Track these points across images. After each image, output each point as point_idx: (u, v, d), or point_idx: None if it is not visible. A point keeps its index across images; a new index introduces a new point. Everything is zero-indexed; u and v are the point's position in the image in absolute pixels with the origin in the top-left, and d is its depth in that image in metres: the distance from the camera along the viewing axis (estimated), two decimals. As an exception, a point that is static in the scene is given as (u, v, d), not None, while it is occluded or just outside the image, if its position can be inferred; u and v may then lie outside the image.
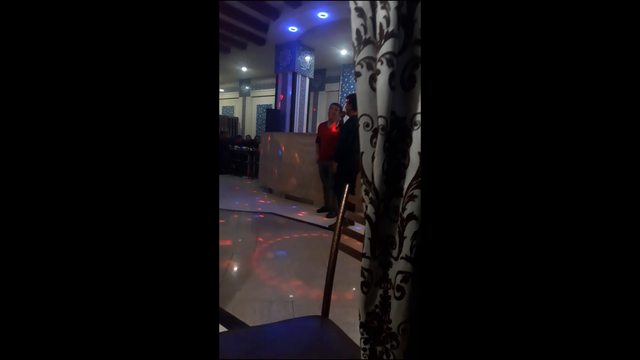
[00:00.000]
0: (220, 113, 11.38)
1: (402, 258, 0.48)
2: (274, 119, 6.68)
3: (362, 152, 0.51)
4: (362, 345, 0.55)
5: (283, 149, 4.58)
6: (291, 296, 1.70)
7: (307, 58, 6.67)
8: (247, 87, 10.73)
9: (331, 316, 0.78)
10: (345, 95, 7.57)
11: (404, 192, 0.48)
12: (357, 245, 0.75)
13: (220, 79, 10.37)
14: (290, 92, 6.66)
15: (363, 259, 0.52)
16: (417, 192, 0.45)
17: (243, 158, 7.16)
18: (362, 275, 0.53)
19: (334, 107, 3.53)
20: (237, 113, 11.18)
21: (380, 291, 0.53)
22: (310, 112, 8.46)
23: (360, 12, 0.47)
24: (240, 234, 2.84)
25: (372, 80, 0.47)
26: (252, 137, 8.92)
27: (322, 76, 8.46)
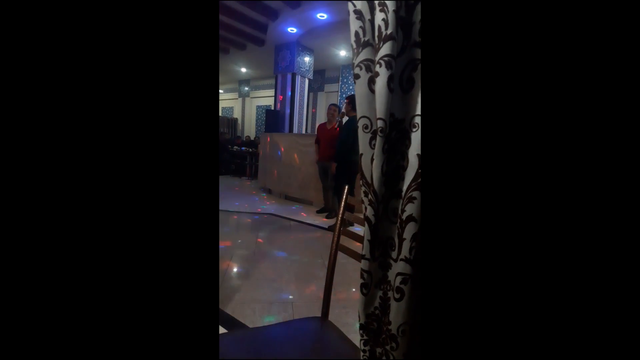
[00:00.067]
0: (220, 114, 11.38)
1: (401, 260, 0.48)
2: (273, 120, 6.68)
3: (362, 154, 0.51)
4: (362, 347, 0.55)
5: (282, 149, 4.58)
6: (291, 297, 1.70)
7: (306, 59, 6.68)
8: (246, 88, 10.73)
9: (330, 317, 0.78)
10: (344, 96, 7.57)
11: (403, 193, 0.48)
12: (356, 246, 0.75)
13: (220, 79, 10.37)
14: (290, 93, 6.66)
15: (363, 261, 0.52)
16: (416, 194, 0.46)
17: (242, 159, 7.16)
18: (362, 276, 0.53)
19: (333, 108, 3.53)
20: (237, 114, 11.18)
21: (380, 293, 0.53)
22: (310, 112, 8.46)
23: (359, 14, 0.47)
24: (239, 234, 2.83)
25: (371, 82, 0.48)
26: (252, 138, 8.92)
27: (321, 77, 8.46)
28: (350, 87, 7.67)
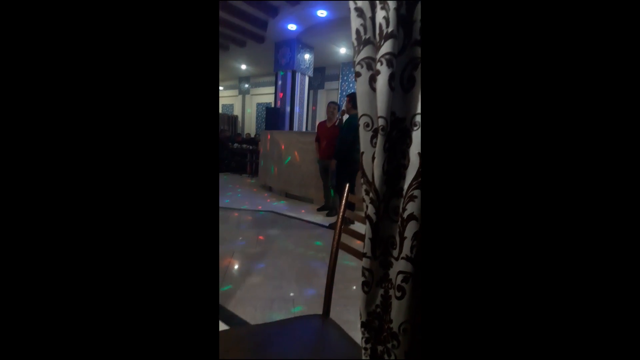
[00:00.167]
0: (220, 111, 11.36)
1: (402, 258, 0.48)
2: (273, 117, 6.67)
3: (363, 152, 0.51)
4: (364, 345, 0.55)
5: (283, 147, 4.58)
6: (292, 294, 1.71)
7: (307, 56, 6.65)
8: (246, 85, 10.70)
9: (331, 314, 0.79)
10: (344, 93, 7.55)
11: (404, 192, 0.48)
12: (357, 244, 0.75)
13: (220, 76, 10.35)
14: (290, 90, 6.64)
15: (364, 259, 0.53)
16: (417, 192, 0.46)
17: (243, 156, 7.15)
18: (363, 275, 0.53)
19: (332, 106, 3.52)
20: (237, 111, 11.16)
21: (381, 291, 0.54)
22: (310, 110, 8.44)
23: (359, 12, 0.47)
24: (240, 232, 2.84)
25: (372, 80, 0.47)
26: (252, 136, 8.91)
27: (321, 74, 8.43)
28: (351, 85, 7.65)
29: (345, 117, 3.18)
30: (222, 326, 1.35)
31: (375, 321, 0.55)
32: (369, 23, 0.47)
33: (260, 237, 2.67)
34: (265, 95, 9.95)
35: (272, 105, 7.30)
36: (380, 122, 0.46)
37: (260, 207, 3.85)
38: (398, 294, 0.48)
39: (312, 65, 6.83)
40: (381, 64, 0.44)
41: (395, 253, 0.50)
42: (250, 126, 10.70)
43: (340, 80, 7.94)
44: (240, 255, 2.24)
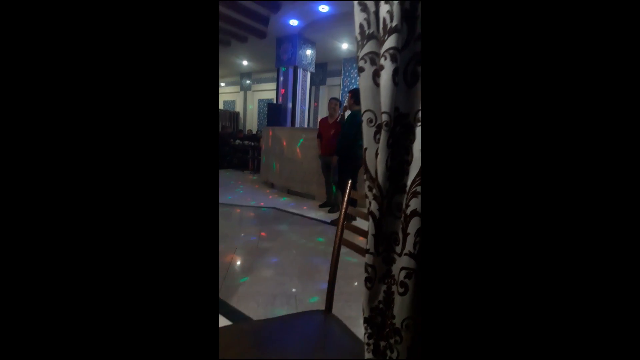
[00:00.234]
0: (222, 107, 11.35)
1: (405, 254, 0.48)
2: (275, 114, 6.65)
3: (366, 148, 0.51)
4: (366, 340, 0.55)
5: (285, 143, 4.57)
6: (294, 290, 1.72)
7: (308, 52, 6.62)
8: (248, 81, 10.68)
9: (334, 310, 0.79)
10: (346, 89, 7.52)
11: (408, 188, 0.48)
12: (359, 240, 0.75)
13: (221, 72, 10.32)
14: (292, 86, 6.62)
15: (367, 255, 0.52)
16: (420, 188, 0.45)
17: (245, 153, 7.16)
18: (366, 271, 0.53)
19: (334, 102, 3.51)
20: (239, 107, 11.15)
21: (384, 287, 0.54)
22: (312, 106, 8.42)
23: (363, 6, 0.47)
24: (243, 228, 2.85)
25: (376, 75, 0.47)
26: (254, 132, 8.90)
27: (323, 70, 8.40)
28: (353, 81, 7.62)
29: (348, 113, 3.17)
30: (225, 321, 1.36)
31: (377, 317, 0.55)
32: (372, 17, 0.47)
33: (263, 234, 2.68)
34: (267, 91, 9.93)
35: (274, 102, 7.28)
36: (384, 117, 0.45)
37: (262, 204, 3.86)
38: (401, 290, 0.48)
39: (314, 61, 6.81)
40: (385, 59, 0.44)
41: (398, 249, 0.50)
42: (252, 122, 10.69)
43: (342, 76, 7.90)
44: (242, 252, 2.25)
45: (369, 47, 0.47)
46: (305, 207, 3.75)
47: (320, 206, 3.76)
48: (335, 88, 8.24)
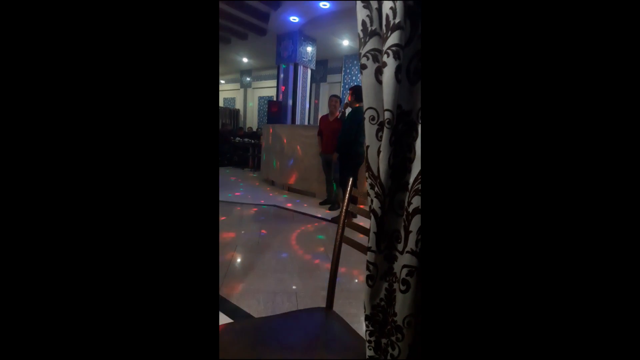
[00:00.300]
0: (222, 105, 11.32)
1: (407, 252, 0.48)
2: (275, 111, 6.64)
3: (368, 146, 0.51)
4: (367, 338, 0.55)
5: (285, 141, 4.57)
6: (294, 287, 1.72)
7: (309, 49, 6.59)
8: (248, 79, 10.64)
9: (335, 307, 0.79)
10: (347, 86, 7.50)
11: (410, 186, 0.47)
12: (359, 237, 0.75)
13: (221, 70, 10.28)
14: (292, 84, 6.60)
15: (369, 253, 0.52)
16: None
17: (245, 150, 7.15)
18: (368, 268, 0.53)
19: (334, 99, 3.51)
20: (239, 105, 11.12)
21: (386, 284, 0.54)
22: (312, 103, 8.40)
23: (366, 3, 0.46)
24: (243, 226, 2.85)
25: (378, 72, 0.47)
26: (254, 129, 8.89)
27: (323, 67, 8.37)
28: (354, 78, 7.59)
29: (348, 110, 3.16)
30: (226, 319, 1.36)
31: (379, 314, 0.55)
32: (375, 14, 0.46)
33: (263, 231, 2.68)
34: (267, 88, 9.90)
35: (274, 99, 7.26)
36: (387, 115, 0.45)
37: (262, 201, 3.86)
38: (402, 288, 0.48)
39: (314, 57, 6.78)
40: (388, 56, 0.44)
41: (400, 247, 0.50)
42: (252, 120, 10.67)
43: (343, 73, 7.87)
44: (243, 249, 2.25)
45: (371, 44, 0.47)
46: (305, 205, 3.75)
47: (321, 204, 3.77)
48: (336, 85, 8.22)
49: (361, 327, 1.24)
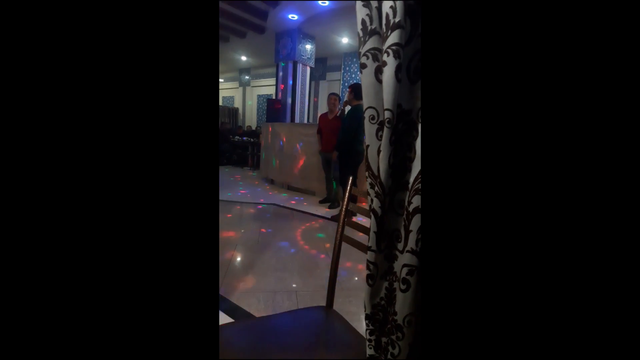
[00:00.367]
0: (220, 103, 11.29)
1: (407, 251, 0.48)
2: (274, 109, 6.63)
3: (368, 146, 0.50)
4: (368, 337, 0.55)
5: (284, 139, 4.56)
6: (294, 286, 1.72)
7: (308, 46, 6.57)
8: (247, 77, 10.61)
9: (335, 306, 0.79)
10: (347, 84, 7.48)
11: (410, 185, 0.47)
12: (359, 236, 0.75)
13: (220, 68, 10.25)
14: (291, 82, 6.58)
15: (369, 252, 0.53)
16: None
17: (244, 149, 7.14)
18: (368, 268, 0.53)
19: (333, 97, 3.50)
20: (237, 103, 11.09)
21: (386, 284, 0.54)
22: (312, 101, 8.38)
23: (366, 2, 0.46)
24: (243, 225, 2.85)
25: (378, 72, 0.47)
26: (253, 128, 8.87)
27: (323, 65, 8.34)
28: (353, 76, 7.58)
29: (348, 108, 3.15)
30: (227, 318, 1.37)
31: (379, 313, 0.55)
32: (375, 13, 0.46)
33: (263, 230, 2.68)
34: (266, 87, 9.87)
35: (273, 97, 7.25)
36: (387, 114, 0.45)
37: (262, 200, 3.86)
38: (403, 287, 0.49)
39: (313, 55, 6.75)
40: (388, 55, 0.44)
41: (400, 246, 0.50)
42: (251, 118, 10.65)
43: (342, 71, 7.86)
44: (242, 248, 2.25)
45: (371, 43, 0.47)
46: (305, 204, 3.75)
47: (321, 202, 3.77)
48: (335, 83, 8.20)
49: (361, 325, 1.25)
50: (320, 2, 5.02)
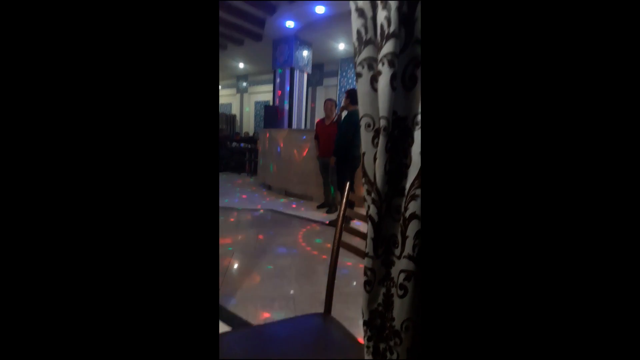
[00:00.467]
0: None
1: (404, 257, 0.48)
2: (272, 116, 6.65)
3: (364, 152, 0.51)
4: (366, 343, 0.55)
5: (282, 145, 4.57)
6: (292, 292, 1.71)
7: (305, 53, 6.63)
8: (244, 84, 10.66)
9: (333, 311, 0.79)
10: (344, 89, 7.53)
11: (406, 191, 0.48)
12: (357, 241, 0.76)
13: (218, 75, 10.28)
14: (289, 88, 6.63)
15: (366, 258, 0.53)
16: (419, 191, 0.46)
17: (241, 155, 7.14)
18: (365, 274, 0.53)
19: (330, 103, 3.53)
20: (235, 110, 11.13)
21: (383, 289, 0.54)
22: (309, 107, 8.43)
23: (360, 12, 0.47)
24: (240, 231, 2.84)
25: (374, 80, 0.47)
26: (250, 134, 8.89)
27: (320, 71, 8.41)
28: (350, 81, 7.64)
29: (344, 113, 3.17)
30: (224, 327, 1.35)
31: (377, 319, 0.55)
32: (370, 23, 0.47)
33: (260, 236, 2.68)
34: (264, 93, 9.92)
35: (271, 104, 7.28)
36: (382, 122, 0.46)
37: (259, 206, 3.85)
38: (400, 293, 0.49)
39: (310, 62, 6.81)
40: (383, 65, 0.44)
41: (397, 252, 0.51)
42: (248, 125, 10.67)
43: (339, 77, 7.92)
44: (240, 255, 2.24)
45: (366, 52, 0.48)
46: (303, 209, 3.75)
47: (318, 207, 3.77)
48: (332, 88, 8.25)
49: (360, 331, 1.24)
50: (316, 9, 5.08)
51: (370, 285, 0.54)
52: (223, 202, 3.92)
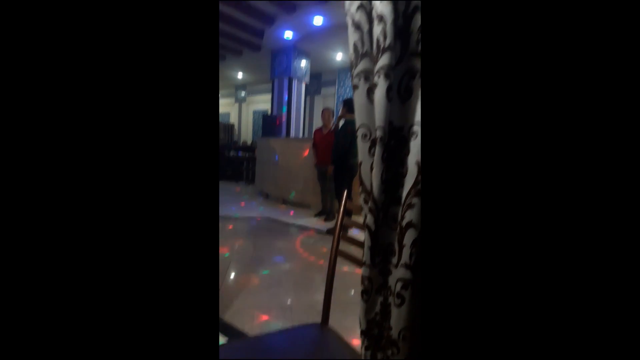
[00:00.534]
0: (217, 119, 11.33)
1: (401, 266, 0.48)
2: (270, 125, 6.69)
3: (361, 162, 0.52)
4: (363, 352, 0.55)
5: (280, 154, 4.59)
6: (289, 302, 1.70)
7: (303, 63, 6.71)
8: (242, 93, 10.74)
9: (330, 320, 0.78)
10: (341, 98, 7.60)
11: (403, 200, 0.49)
12: (354, 250, 0.76)
13: (216, 85, 10.34)
14: (287, 97, 6.68)
15: (363, 267, 0.53)
16: (415, 200, 0.46)
17: (239, 164, 7.15)
18: (363, 283, 0.53)
19: (327, 112, 3.56)
20: (233, 119, 11.17)
21: (381, 299, 0.54)
22: (307, 116, 8.48)
23: (357, 26, 0.48)
24: (237, 240, 2.82)
25: (370, 92, 0.49)
26: (249, 143, 8.91)
27: (317, 81, 8.49)
28: (348, 90, 7.71)
29: (342, 122, 3.20)
30: (220, 338, 1.34)
31: (374, 329, 0.55)
32: (366, 37, 0.48)
33: (257, 245, 2.66)
34: (262, 102, 9.99)
35: (269, 113, 7.33)
36: (379, 133, 0.47)
37: (257, 215, 3.84)
38: (397, 301, 0.49)
39: (308, 71, 6.89)
40: (379, 77, 0.45)
41: (394, 261, 0.51)
42: (246, 134, 10.71)
43: (337, 86, 8.00)
44: (236, 264, 2.22)
45: (362, 65, 0.49)
46: (301, 217, 3.74)
47: (316, 215, 3.76)
48: (330, 98, 8.32)
49: (357, 341, 1.23)
50: (314, 20, 5.16)
51: (367, 294, 0.54)
52: (221, 210, 3.91)
